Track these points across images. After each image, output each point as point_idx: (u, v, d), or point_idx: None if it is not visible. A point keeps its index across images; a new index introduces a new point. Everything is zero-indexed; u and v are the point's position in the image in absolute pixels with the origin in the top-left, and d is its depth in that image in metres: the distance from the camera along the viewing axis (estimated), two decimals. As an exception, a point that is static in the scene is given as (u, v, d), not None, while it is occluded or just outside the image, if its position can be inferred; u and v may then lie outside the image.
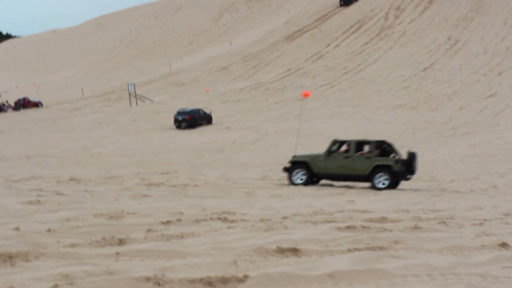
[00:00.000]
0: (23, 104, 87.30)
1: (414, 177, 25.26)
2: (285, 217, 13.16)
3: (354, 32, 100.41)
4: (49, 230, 10.75)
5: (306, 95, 29.07)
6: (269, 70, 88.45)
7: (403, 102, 63.99)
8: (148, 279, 7.18)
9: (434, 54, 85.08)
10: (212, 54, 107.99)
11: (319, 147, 38.35)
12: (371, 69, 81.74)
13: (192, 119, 55.65)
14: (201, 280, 7.29)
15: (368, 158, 24.02)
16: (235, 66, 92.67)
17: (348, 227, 11.82)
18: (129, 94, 76.56)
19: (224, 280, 7.37)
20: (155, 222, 11.98)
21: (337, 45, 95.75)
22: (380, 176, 23.77)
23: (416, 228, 12.24)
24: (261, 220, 12.69)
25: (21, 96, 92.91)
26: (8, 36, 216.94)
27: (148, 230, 11.01)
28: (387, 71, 79.67)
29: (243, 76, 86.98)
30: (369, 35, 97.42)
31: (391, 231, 11.64)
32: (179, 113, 56.72)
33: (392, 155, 24.53)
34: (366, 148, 24.56)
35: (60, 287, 6.89)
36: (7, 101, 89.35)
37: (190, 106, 63.59)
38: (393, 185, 24.00)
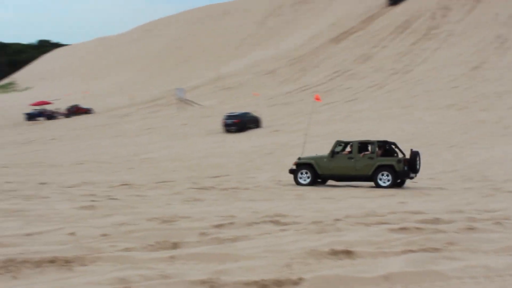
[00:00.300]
0: (74, 111, 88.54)
1: (466, 177, 24.97)
2: (337, 219, 13.10)
3: (401, 33, 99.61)
4: (103, 235, 10.88)
5: (317, 99, 31.68)
6: (316, 72, 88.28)
7: (452, 102, 63.18)
8: (203, 282, 7.22)
9: (483, 53, 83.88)
10: (259, 58, 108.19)
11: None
12: (419, 70, 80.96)
13: (241, 123, 55.79)
14: (255, 283, 7.30)
15: (370, 158, 24.75)
16: (282, 70, 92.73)
17: (401, 229, 11.71)
18: (178, 99, 77.08)
19: (279, 283, 7.37)
20: (207, 225, 12.04)
21: (384, 46, 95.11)
22: (383, 175, 24.53)
23: (471, 229, 12.07)
24: (313, 222, 12.65)
25: (72, 103, 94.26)
26: (58, 45, 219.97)
27: (201, 234, 11.06)
28: (435, 71, 78.81)
29: (290, 79, 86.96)
30: (416, 36, 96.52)
31: (445, 232, 11.51)
32: (228, 116, 56.92)
33: (395, 155, 25.38)
34: (369, 148, 25.27)
35: (117, 291, 6.97)
36: (59, 109, 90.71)
37: (238, 110, 63.77)
38: (396, 184, 24.64)
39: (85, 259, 8.61)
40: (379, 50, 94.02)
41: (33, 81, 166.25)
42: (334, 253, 9.18)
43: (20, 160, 42.36)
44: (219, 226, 12.02)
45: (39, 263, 8.33)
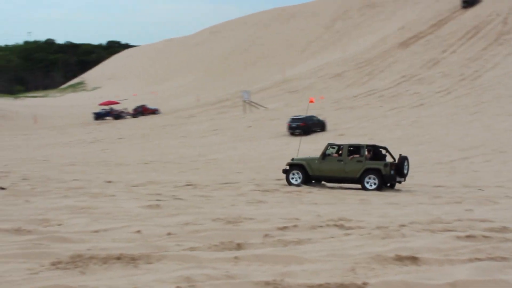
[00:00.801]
0: (141, 111, 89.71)
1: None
2: (402, 225, 12.96)
3: (470, 38, 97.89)
4: (169, 234, 11.00)
5: (311, 101, 34.43)
6: (383, 76, 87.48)
7: (523, 109, 61.83)
8: (267, 284, 7.23)
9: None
10: (325, 61, 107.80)
11: (437, 155, 37.73)
12: (490, 75, 79.44)
13: (306, 126, 55.64)
14: (320, 286, 7.28)
15: (359, 161, 25.49)
16: (348, 73, 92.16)
17: (468, 236, 11.51)
18: (244, 101, 77.37)
19: (343, 287, 7.33)
20: (271, 227, 12.05)
21: (453, 51, 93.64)
22: (369, 179, 25.16)
23: (541, 238, 11.78)
24: (378, 227, 12.54)
25: (139, 104, 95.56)
26: (127, 46, 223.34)
27: (265, 236, 11.08)
28: (506, 77, 77.18)
29: (356, 83, 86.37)
30: (486, 41, 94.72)
31: (513, 241, 11.27)
32: (293, 120, 56.86)
33: (386, 159, 26.19)
34: (360, 151, 26.02)
35: (182, 289, 7.03)
36: (126, 109, 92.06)
37: (303, 113, 63.63)
38: (386, 187, 25.35)
39: (151, 257, 8.71)
40: (448, 55, 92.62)
41: (102, 81, 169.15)
42: (399, 259, 9.08)
43: (87, 158, 43.13)
44: (283, 228, 12.02)
45: (106, 260, 8.48)
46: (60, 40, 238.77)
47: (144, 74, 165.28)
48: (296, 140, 52.00)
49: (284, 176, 26.77)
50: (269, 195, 20.84)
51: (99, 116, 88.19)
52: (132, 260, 8.53)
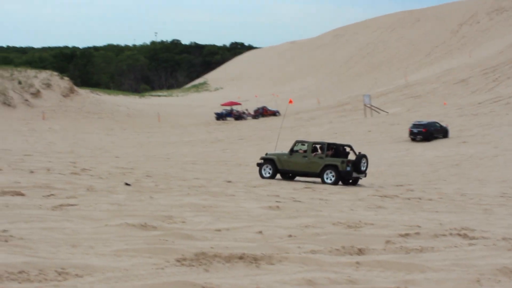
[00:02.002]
0: (262, 112, 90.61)
1: None
2: (529, 238, 12.51)
3: None
4: (290, 236, 11.07)
5: (290, 102, 39.92)
6: (510, 83, 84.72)
7: None
8: (390, 290, 7.17)
9: None
10: (450, 67, 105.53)
11: None
12: None
13: (427, 132, 54.65)
14: (444, 295, 7.17)
15: (320, 158, 28.11)
16: (474, 79, 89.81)
17: None
18: (364, 105, 76.78)
19: (468, 298, 7.18)
20: (393, 234, 11.92)
21: None
22: (328, 174, 27.77)
23: None
24: (504, 238, 12.15)
25: (260, 105, 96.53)
26: (250, 48, 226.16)
27: (387, 242, 10.97)
28: None
29: (482, 89, 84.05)
30: None
31: None
32: (415, 125, 55.96)
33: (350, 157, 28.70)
34: (321, 149, 28.75)
35: (305, 292, 7.06)
36: (247, 110, 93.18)
37: (425, 118, 62.52)
38: (340, 182, 27.79)
39: (273, 258, 8.79)
40: None
41: (224, 82, 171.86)
42: (527, 273, 8.78)
43: (208, 157, 43.94)
44: (404, 235, 11.87)
45: (229, 258, 8.62)
46: (185, 41, 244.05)
47: (266, 76, 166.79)
48: (418, 146, 51.16)
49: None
50: (389, 201, 20.60)
51: (220, 116, 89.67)
52: (254, 260, 8.63)
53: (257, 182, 26.15)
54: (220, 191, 20.35)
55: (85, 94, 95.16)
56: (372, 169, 37.77)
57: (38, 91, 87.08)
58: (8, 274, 7.43)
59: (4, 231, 10.33)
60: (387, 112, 76.94)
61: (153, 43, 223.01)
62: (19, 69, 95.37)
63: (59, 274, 7.59)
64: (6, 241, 9.51)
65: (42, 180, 20.12)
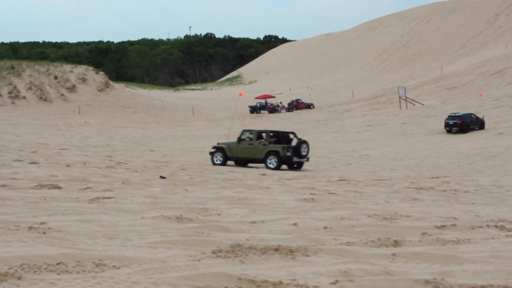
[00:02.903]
0: (296, 105, 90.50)
1: None
2: None
3: None
4: (325, 228, 11.06)
5: (240, 94, 43.77)
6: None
7: None
8: (427, 282, 7.12)
9: None
10: (486, 58, 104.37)
11: None
12: None
13: (463, 124, 54.16)
14: (482, 287, 7.10)
15: (264, 145, 30.49)
16: (510, 70, 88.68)
17: None
18: (399, 97, 76.31)
19: (506, 290, 7.12)
20: (429, 225, 11.85)
21: None
22: (271, 159, 30.03)
23: None
24: (543, 231, 12.03)
25: (294, 98, 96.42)
26: (284, 40, 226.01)
27: (423, 234, 10.91)
28: None
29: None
30: None
31: None
32: (450, 117, 55.46)
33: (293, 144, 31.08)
34: (264, 136, 31.24)
35: (341, 283, 7.05)
36: (281, 103, 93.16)
37: (461, 110, 61.96)
38: (281, 166, 29.94)
39: (308, 250, 8.80)
40: None
41: (258, 75, 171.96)
42: None
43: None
44: (441, 227, 11.78)
45: (265, 250, 8.65)
46: (219, 34, 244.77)
47: (300, 68, 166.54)
48: (454, 138, 50.74)
49: None
50: (424, 193, 20.46)
51: (254, 109, 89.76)
52: (290, 252, 8.65)
53: (291, 175, 26.16)
54: (255, 184, 20.41)
55: (120, 89, 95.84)
56: (407, 161, 37.56)
57: (74, 86, 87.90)
58: (47, 265, 7.53)
59: (42, 223, 10.47)
60: (423, 104, 76.39)
61: (187, 37, 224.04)
62: (55, 64, 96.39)
63: (97, 265, 7.68)
64: (44, 233, 9.64)
65: (78, 174, 20.35)
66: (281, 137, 31.37)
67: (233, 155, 31.04)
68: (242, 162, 31.32)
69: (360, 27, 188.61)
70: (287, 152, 29.77)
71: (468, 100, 74.36)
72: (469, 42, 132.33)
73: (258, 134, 31.25)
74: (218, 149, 31.39)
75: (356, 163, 36.07)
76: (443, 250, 9.31)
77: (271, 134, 31.39)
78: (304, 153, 30.27)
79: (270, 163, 29.94)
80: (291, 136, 31.83)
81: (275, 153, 29.95)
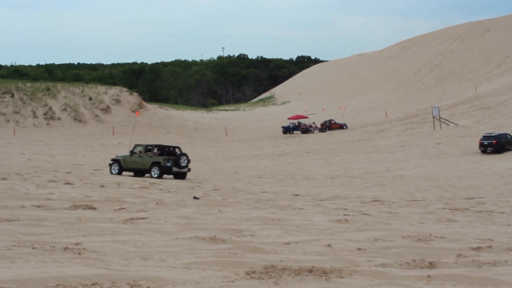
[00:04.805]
0: (329, 125, 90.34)
1: None
2: None
3: None
4: (359, 249, 10.99)
5: (137, 114, 49.38)
6: None
7: None
8: (463, 305, 7.06)
9: None
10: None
11: None
12: None
13: (498, 144, 53.56)
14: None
15: (150, 157, 34.30)
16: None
17: None
18: (433, 117, 75.81)
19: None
20: (464, 247, 11.72)
21: None
22: (154, 170, 33.77)
23: None
24: None
25: (327, 118, 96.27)
26: (317, 61, 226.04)
27: (458, 255, 10.80)
28: None
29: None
30: None
31: None
32: (485, 137, 54.90)
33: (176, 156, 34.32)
34: (151, 150, 34.94)
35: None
36: (314, 123, 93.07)
37: (496, 130, 61.33)
38: (163, 175, 33.74)
39: (342, 271, 8.75)
40: None
41: (291, 95, 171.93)
42: None
43: (275, 171, 43.99)
44: (476, 248, 11.65)
45: (298, 272, 8.62)
46: (252, 55, 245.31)
47: (333, 89, 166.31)
48: (489, 158, 50.23)
49: None
50: (459, 214, 20.25)
51: (287, 130, 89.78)
52: (324, 273, 8.61)
53: (324, 195, 26.05)
54: (288, 205, 20.37)
55: (153, 109, 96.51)
56: (441, 182, 37.24)
57: (108, 107, 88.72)
58: (82, 286, 7.59)
59: (77, 244, 10.55)
60: (457, 124, 75.78)
61: (220, 58, 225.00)
62: (89, 85, 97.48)
63: (131, 286, 7.72)
64: (79, 253, 9.71)
65: (112, 194, 20.49)
66: (165, 151, 35.34)
67: (127, 166, 34.78)
68: (137, 173, 34.71)
69: (393, 47, 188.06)
70: (167, 163, 33.60)
71: (503, 120, 73.62)
72: (504, 61, 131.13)
73: (146, 148, 35.18)
74: (115, 161, 35.15)
75: (390, 184, 35.83)
76: (479, 272, 9.20)
77: (156, 147, 35.16)
78: (183, 164, 34.07)
79: (153, 173, 33.74)
80: (177, 150, 35.57)
81: (158, 164, 33.81)
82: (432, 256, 10.45)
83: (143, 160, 34.40)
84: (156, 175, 33.55)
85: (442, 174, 42.02)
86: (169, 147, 36.18)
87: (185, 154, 34.69)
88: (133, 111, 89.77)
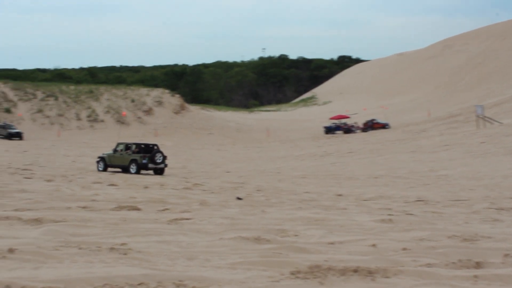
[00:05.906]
0: (371, 125, 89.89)
1: None
2: None
3: None
4: (404, 249, 10.92)
5: (124, 115, 51.27)
6: None
7: None
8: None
9: None
10: None
11: None
12: None
13: (544, 143, 52.90)
14: None
15: (129, 154, 36.80)
16: None
17: None
18: (477, 116, 74.99)
19: None
20: (511, 247, 11.57)
21: None
22: (132, 166, 36.22)
23: None
24: None
25: (369, 118, 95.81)
26: (358, 61, 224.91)
27: (506, 255, 10.66)
28: None
29: None
30: None
31: None
32: (530, 136, 54.28)
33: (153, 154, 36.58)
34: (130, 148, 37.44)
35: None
36: (356, 123, 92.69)
37: (542, 129, 60.47)
38: (140, 171, 36.14)
39: (388, 271, 8.71)
40: None
41: (332, 96, 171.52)
42: None
43: (318, 171, 43.90)
44: (524, 249, 11.49)
45: (343, 271, 8.60)
46: (293, 55, 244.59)
47: (375, 88, 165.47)
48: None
49: None
50: (505, 214, 19.97)
51: (329, 130, 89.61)
52: (369, 273, 8.58)
53: (368, 195, 25.92)
54: (332, 205, 20.32)
55: (195, 111, 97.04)
56: (486, 181, 36.77)
57: (150, 109, 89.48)
58: (129, 286, 7.67)
59: (123, 244, 10.66)
60: (501, 123, 74.85)
61: (261, 58, 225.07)
62: (132, 87, 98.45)
63: (177, 286, 7.78)
64: (125, 254, 9.82)
65: (156, 195, 20.67)
66: (143, 148, 37.48)
67: (111, 162, 37.32)
68: (119, 169, 37.13)
69: (434, 46, 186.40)
70: (143, 160, 35.97)
71: (549, 118, 72.54)
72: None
73: (126, 146, 37.65)
74: (101, 158, 37.86)
75: (434, 183, 35.50)
76: (528, 273, 9.09)
77: (135, 145, 37.60)
78: (158, 161, 36.27)
79: (132, 169, 36.15)
80: (155, 147, 37.45)
81: (135, 161, 36.23)
82: (479, 256, 10.33)
83: (123, 158, 36.95)
84: (134, 171, 36.09)
85: (486, 173, 41.51)
86: (146, 145, 38.37)
87: (160, 151, 36.88)
88: (175, 113, 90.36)
